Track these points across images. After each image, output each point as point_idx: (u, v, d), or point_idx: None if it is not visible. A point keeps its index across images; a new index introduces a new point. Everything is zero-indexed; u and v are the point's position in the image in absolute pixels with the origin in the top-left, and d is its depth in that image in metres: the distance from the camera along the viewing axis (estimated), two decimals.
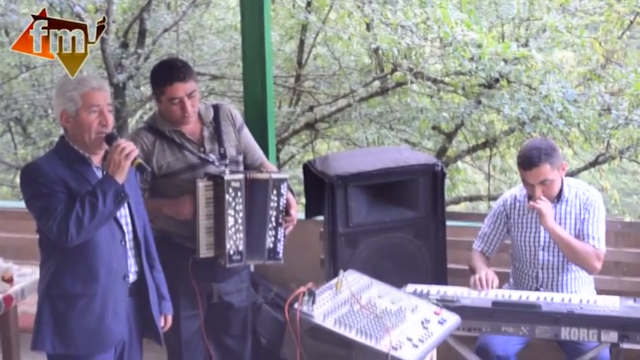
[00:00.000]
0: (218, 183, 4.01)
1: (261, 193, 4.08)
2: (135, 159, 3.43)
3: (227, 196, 3.98)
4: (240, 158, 4.29)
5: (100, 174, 3.47)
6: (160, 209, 4.07)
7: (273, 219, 4.12)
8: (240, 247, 4.05)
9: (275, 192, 4.10)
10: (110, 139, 3.44)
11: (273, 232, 4.13)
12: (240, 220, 4.03)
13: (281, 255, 4.18)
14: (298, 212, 4.44)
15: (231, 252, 4.03)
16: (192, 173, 4.10)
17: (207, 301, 4.27)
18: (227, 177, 4.00)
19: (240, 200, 4.02)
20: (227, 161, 4.18)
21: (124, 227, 3.53)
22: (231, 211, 4.00)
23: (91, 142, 3.44)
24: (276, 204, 4.11)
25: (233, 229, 4.02)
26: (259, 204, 4.08)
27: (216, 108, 4.29)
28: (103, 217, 3.34)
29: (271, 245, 4.14)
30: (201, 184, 4.00)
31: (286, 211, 4.16)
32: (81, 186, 3.37)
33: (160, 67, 4.24)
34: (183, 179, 4.11)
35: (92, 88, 3.43)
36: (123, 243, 3.52)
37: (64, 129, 3.51)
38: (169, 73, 4.05)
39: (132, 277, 3.57)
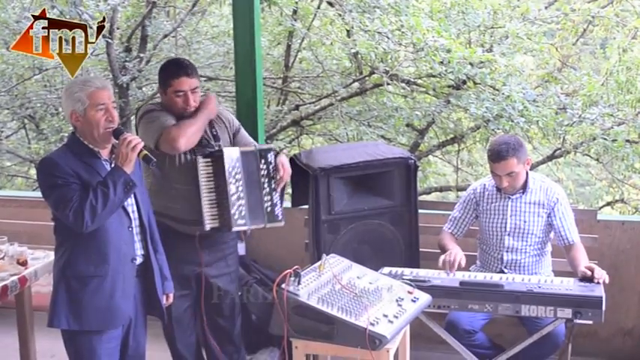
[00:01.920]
0: (217, 157, 4.00)
1: (252, 164, 4.08)
2: (141, 150, 3.40)
3: (227, 167, 3.97)
4: None
5: (108, 166, 3.45)
6: (201, 110, 4.06)
7: (266, 185, 4.11)
8: (244, 212, 4.04)
9: (263, 161, 4.10)
10: (117, 133, 3.41)
11: (269, 196, 4.12)
12: (240, 188, 4.02)
13: (280, 217, 4.17)
14: (285, 201, 4.43)
15: (236, 216, 4.00)
16: (190, 153, 4.07)
17: (196, 284, 4.26)
18: (225, 149, 4.01)
19: (239, 170, 4.02)
20: (220, 142, 4.17)
21: (131, 215, 3.51)
22: (232, 180, 3.99)
23: (100, 136, 3.42)
24: (266, 171, 4.11)
25: (235, 196, 4.00)
26: (251, 173, 4.07)
27: None
28: (114, 204, 3.33)
29: (269, 209, 4.12)
30: (202, 160, 3.98)
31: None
32: (92, 177, 3.36)
33: (169, 63, 4.23)
34: (181, 157, 4.07)
35: (97, 87, 3.41)
36: (130, 229, 3.50)
37: (74, 127, 3.48)
38: (177, 68, 4.08)
39: (138, 260, 3.56)
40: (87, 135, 3.44)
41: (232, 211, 3.99)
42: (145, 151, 3.43)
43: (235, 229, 4.04)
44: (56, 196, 3.32)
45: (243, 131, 4.34)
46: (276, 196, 4.16)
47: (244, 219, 4.04)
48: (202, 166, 3.99)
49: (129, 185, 3.34)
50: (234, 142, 4.26)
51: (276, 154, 4.17)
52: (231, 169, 3.99)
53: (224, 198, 4.00)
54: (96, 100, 3.39)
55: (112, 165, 3.42)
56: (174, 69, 4.08)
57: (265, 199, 4.12)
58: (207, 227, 4.01)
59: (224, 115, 4.30)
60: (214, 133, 4.17)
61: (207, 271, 4.24)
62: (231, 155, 4.01)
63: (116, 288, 3.44)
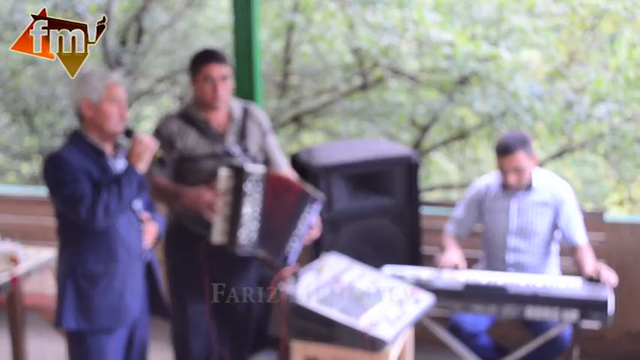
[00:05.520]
0: (239, 172, 3.88)
1: (302, 203, 3.95)
2: (157, 152, 3.43)
3: (247, 185, 3.86)
4: (261, 158, 4.16)
5: (113, 162, 3.47)
6: (179, 196, 3.94)
7: (299, 228, 3.98)
8: (253, 236, 3.91)
9: (310, 206, 3.96)
10: (128, 132, 3.44)
11: (294, 241, 3.98)
12: (257, 210, 3.91)
13: (292, 264, 4.03)
14: None
15: (244, 237, 3.87)
16: (214, 162, 3.98)
17: (211, 289, 4.13)
18: (248, 168, 3.88)
19: (259, 190, 3.90)
20: (248, 156, 4.09)
21: (138, 214, 3.56)
22: (249, 199, 3.87)
23: (110, 130, 3.43)
24: (307, 217, 3.97)
25: (249, 218, 3.88)
26: (297, 210, 3.95)
27: (247, 108, 4.19)
28: (127, 203, 3.36)
29: (288, 251, 3.98)
30: (223, 173, 3.88)
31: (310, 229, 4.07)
32: (101, 174, 3.39)
33: (200, 51, 4.17)
34: (204, 166, 4.00)
35: (115, 82, 3.45)
36: (137, 226, 3.54)
37: (80, 118, 3.47)
38: (208, 54, 4.03)
39: (145, 256, 3.61)
40: (95, 127, 3.44)
41: (241, 232, 3.88)
42: (161, 152, 3.46)
43: (239, 252, 3.90)
44: (66, 193, 3.32)
45: (272, 137, 4.23)
46: (299, 245, 4.01)
47: (252, 243, 3.91)
48: (223, 179, 3.88)
49: (142, 185, 3.40)
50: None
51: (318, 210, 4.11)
52: (251, 188, 3.90)
53: (237, 216, 3.88)
54: (112, 93, 3.42)
55: (126, 163, 3.42)
56: (205, 55, 4.03)
57: (291, 240, 3.96)
58: (215, 240, 3.90)
59: (255, 115, 4.21)
60: (244, 146, 4.08)
61: (225, 276, 4.13)
62: (256, 175, 3.89)
63: (126, 285, 3.46)
